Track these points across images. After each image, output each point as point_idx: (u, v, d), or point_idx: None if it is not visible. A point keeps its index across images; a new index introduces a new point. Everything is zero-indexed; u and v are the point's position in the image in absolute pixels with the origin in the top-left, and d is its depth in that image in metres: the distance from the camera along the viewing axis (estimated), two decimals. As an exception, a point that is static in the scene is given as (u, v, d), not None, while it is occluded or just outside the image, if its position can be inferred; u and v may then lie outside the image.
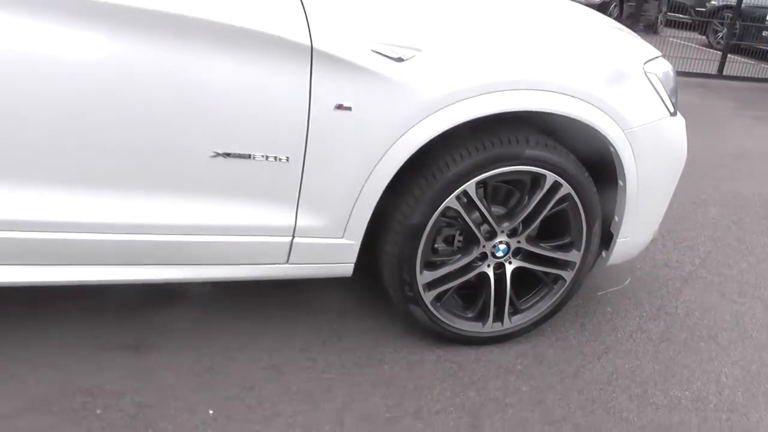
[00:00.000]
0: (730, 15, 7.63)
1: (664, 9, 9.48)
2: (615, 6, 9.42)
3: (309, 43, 1.34)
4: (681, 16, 9.27)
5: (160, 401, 1.50)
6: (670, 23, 9.15)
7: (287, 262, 1.56)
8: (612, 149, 1.71)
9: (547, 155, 1.64)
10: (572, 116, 1.60)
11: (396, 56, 1.41)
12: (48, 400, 1.47)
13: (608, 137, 1.67)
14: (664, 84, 1.80)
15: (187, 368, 1.62)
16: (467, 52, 1.49)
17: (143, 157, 1.36)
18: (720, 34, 8.19)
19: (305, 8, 1.34)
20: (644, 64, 1.76)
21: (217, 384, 1.57)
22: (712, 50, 8.13)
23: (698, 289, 2.34)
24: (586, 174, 1.73)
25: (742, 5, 7.49)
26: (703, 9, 9.12)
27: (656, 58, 1.83)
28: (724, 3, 8.03)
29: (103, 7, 1.23)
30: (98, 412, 1.46)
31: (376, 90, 1.42)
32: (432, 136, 1.49)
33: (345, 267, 1.62)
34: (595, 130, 1.65)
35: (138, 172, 1.38)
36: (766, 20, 7.16)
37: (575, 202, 1.73)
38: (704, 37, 8.27)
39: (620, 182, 1.77)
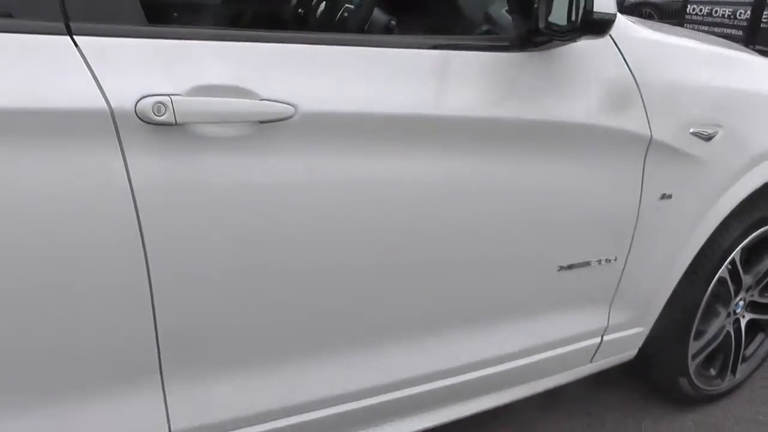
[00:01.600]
0: (648, 11, 8.35)
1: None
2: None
3: (649, 134, 1.23)
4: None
5: None
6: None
7: (590, 361, 1.44)
8: None
9: (787, 212, 1.65)
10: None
11: (706, 135, 1.34)
12: None
13: None
14: None
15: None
16: (755, 120, 1.45)
17: (491, 286, 1.17)
18: (640, 29, 8.87)
19: (643, 98, 1.22)
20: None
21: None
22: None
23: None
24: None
25: (660, 0, 8.19)
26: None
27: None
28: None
29: (436, 120, 1.03)
30: None
31: (691, 172, 1.34)
32: (729, 210, 1.43)
33: (631, 353, 1.53)
34: None
35: (482, 303, 1.19)
36: (686, 15, 7.83)
37: (797, 253, 1.76)
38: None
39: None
